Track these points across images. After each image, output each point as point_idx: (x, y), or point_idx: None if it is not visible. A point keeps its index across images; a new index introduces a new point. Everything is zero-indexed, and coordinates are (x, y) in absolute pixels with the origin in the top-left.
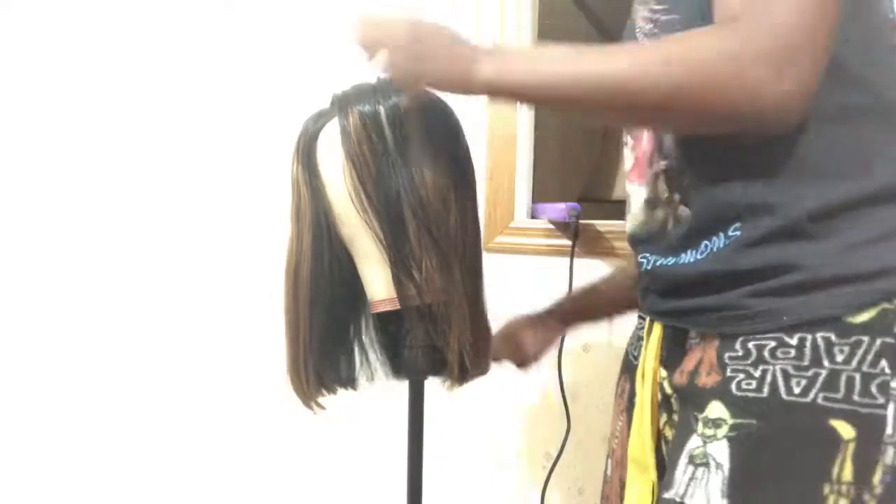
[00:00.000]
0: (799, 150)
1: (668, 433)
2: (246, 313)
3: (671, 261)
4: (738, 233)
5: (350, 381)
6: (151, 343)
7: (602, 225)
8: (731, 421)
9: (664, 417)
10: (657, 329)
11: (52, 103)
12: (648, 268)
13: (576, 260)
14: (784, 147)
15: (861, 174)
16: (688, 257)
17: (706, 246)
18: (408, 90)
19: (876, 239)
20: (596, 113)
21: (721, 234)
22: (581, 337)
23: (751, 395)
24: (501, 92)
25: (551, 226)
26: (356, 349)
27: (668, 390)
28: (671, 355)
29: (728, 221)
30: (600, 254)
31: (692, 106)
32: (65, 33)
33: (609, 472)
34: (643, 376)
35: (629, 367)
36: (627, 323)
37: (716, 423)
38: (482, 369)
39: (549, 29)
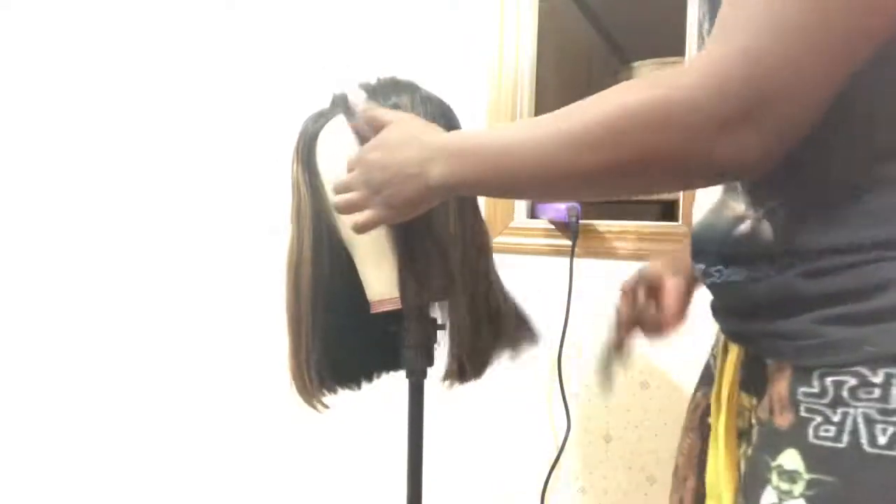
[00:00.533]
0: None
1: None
2: (247, 313)
3: (742, 276)
4: (821, 259)
5: (351, 381)
6: (153, 343)
7: (602, 225)
8: (806, 476)
9: (743, 448)
10: (734, 349)
11: (52, 103)
12: (718, 282)
13: (576, 260)
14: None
15: None
16: (760, 273)
17: (782, 263)
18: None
19: None
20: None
21: (799, 258)
22: (582, 337)
23: (828, 444)
24: (459, 189)
25: (551, 226)
26: (357, 349)
27: (753, 421)
28: (753, 380)
29: (811, 249)
30: (601, 254)
31: (658, 164)
32: (65, 33)
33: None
34: (718, 400)
35: (708, 379)
36: None
37: (791, 477)
38: (480, 370)
39: (549, 29)
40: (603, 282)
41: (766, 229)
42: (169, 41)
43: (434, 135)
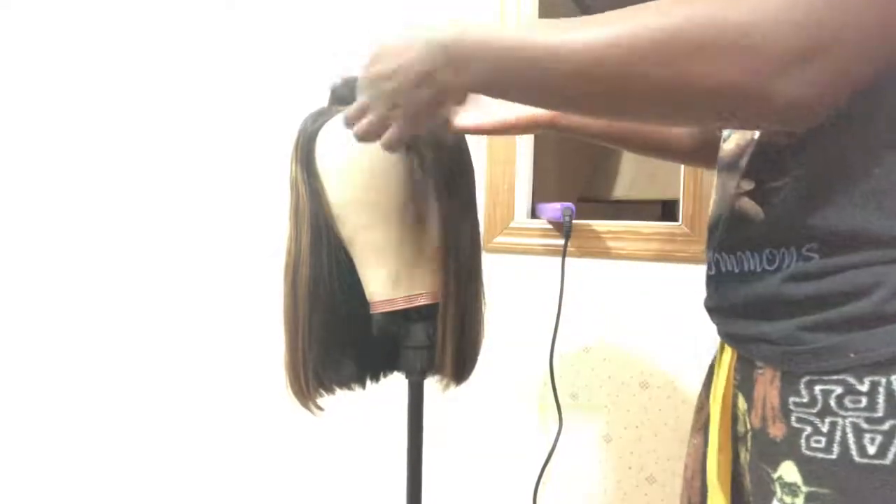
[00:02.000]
0: None
1: (747, 473)
2: (244, 313)
3: (736, 264)
4: (812, 255)
5: (349, 382)
6: (150, 343)
7: (599, 225)
8: (805, 489)
9: (743, 453)
10: (728, 351)
11: (52, 103)
12: (711, 275)
13: (573, 259)
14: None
15: None
16: (753, 263)
17: (772, 254)
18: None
19: None
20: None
21: (793, 250)
22: (582, 337)
23: (820, 455)
24: (476, 86)
25: (550, 226)
26: (355, 349)
27: (748, 426)
28: (745, 383)
29: (803, 241)
30: (597, 254)
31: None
32: (65, 33)
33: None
34: (715, 401)
35: (710, 380)
36: (628, 323)
37: (792, 490)
38: (469, 371)
39: None
40: (603, 282)
41: (759, 211)
42: (169, 41)
43: (438, 29)
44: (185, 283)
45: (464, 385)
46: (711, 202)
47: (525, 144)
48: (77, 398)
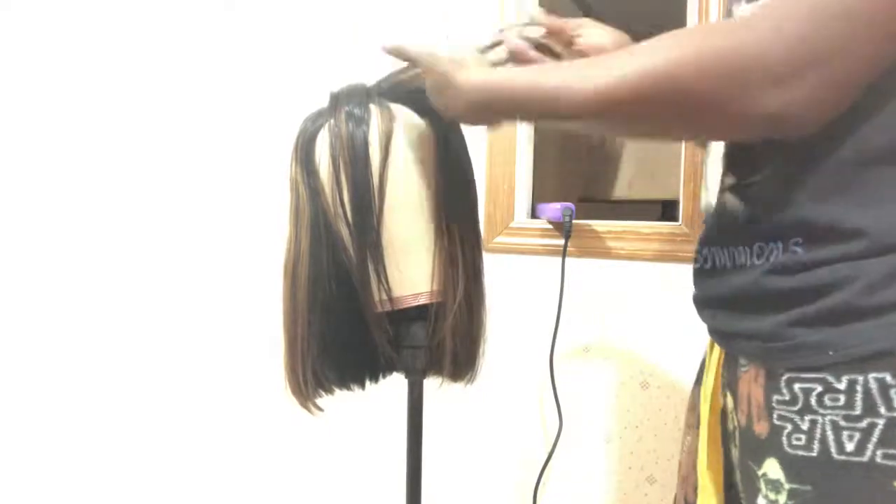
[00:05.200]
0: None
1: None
2: (244, 314)
3: (726, 257)
4: (798, 248)
5: (348, 382)
6: (149, 343)
7: (599, 225)
8: (787, 486)
9: (733, 449)
10: (717, 349)
11: (52, 103)
12: (705, 267)
13: (576, 260)
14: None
15: None
16: (743, 257)
17: (761, 249)
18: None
19: None
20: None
21: (780, 243)
22: (582, 338)
23: (801, 453)
24: (491, 91)
25: (550, 226)
26: (354, 349)
27: (735, 423)
28: (731, 381)
29: (790, 233)
30: (597, 254)
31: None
32: (65, 33)
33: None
34: (705, 400)
35: (701, 377)
36: (628, 323)
37: (775, 487)
38: (473, 371)
39: None
40: (603, 282)
41: (741, 206)
42: (168, 41)
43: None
44: (185, 283)
45: (466, 385)
46: (705, 192)
47: (525, 144)
48: (77, 398)
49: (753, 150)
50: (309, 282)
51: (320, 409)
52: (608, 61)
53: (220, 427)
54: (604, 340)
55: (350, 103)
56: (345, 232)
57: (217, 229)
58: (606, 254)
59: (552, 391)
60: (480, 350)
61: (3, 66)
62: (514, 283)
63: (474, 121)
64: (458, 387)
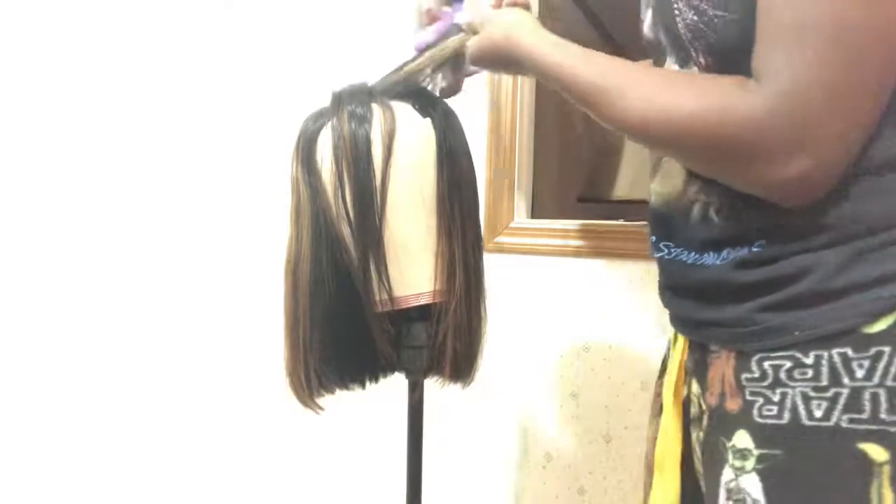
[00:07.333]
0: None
1: (699, 452)
2: (245, 314)
3: (692, 258)
4: (760, 248)
5: (349, 382)
6: (150, 344)
7: (599, 225)
8: (756, 452)
9: (696, 433)
10: (680, 339)
11: (51, 103)
12: (668, 258)
13: (575, 260)
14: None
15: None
16: (709, 259)
17: (728, 253)
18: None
19: (889, 243)
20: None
21: (745, 247)
22: (582, 337)
23: (771, 422)
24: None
25: (551, 226)
26: (355, 349)
27: (703, 407)
28: (698, 367)
29: (753, 238)
30: (597, 254)
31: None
32: (65, 33)
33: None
34: (668, 389)
35: (665, 367)
36: (627, 324)
37: (743, 455)
38: (473, 371)
39: (550, 29)
40: (602, 282)
41: (713, 215)
42: (168, 41)
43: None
44: (185, 283)
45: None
46: (656, 185)
47: (525, 144)
48: (77, 399)
49: None
50: (310, 281)
51: (321, 408)
52: (651, 91)
53: (220, 427)
54: (604, 340)
55: (352, 102)
56: (346, 231)
57: (217, 229)
58: (606, 254)
59: (552, 391)
60: (480, 350)
61: (2, 66)
62: (514, 282)
63: (496, 70)
64: (458, 387)
